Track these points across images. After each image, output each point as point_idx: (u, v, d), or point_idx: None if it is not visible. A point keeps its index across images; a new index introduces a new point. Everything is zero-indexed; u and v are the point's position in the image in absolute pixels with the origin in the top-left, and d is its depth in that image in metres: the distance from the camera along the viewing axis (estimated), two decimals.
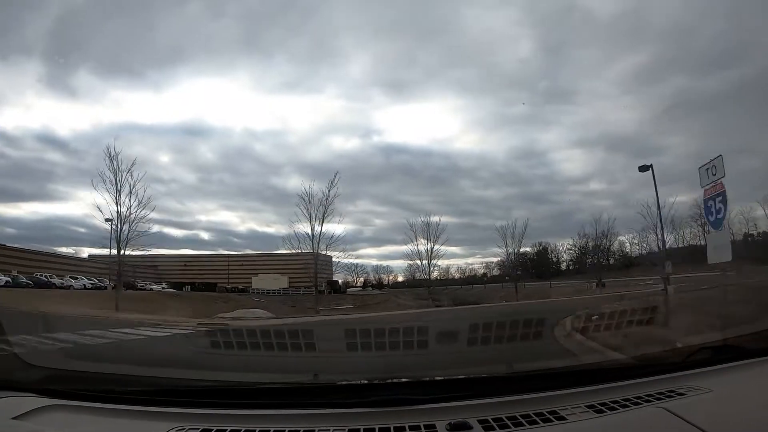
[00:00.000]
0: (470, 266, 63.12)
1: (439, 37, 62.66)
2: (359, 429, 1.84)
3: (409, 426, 1.85)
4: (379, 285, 62.42)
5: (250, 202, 68.06)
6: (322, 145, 60.76)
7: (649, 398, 2.05)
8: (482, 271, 62.96)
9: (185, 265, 53.12)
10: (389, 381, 2.32)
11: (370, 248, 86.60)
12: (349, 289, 56.12)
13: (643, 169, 28.81)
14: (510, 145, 68.80)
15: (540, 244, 62.55)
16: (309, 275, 45.56)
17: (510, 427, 1.83)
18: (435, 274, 54.07)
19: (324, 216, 33.42)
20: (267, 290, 47.64)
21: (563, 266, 62.57)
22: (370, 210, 69.22)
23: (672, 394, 2.08)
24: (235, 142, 54.55)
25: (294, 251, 39.35)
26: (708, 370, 2.38)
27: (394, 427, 1.84)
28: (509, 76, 60.33)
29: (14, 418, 1.95)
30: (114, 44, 50.53)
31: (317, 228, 33.09)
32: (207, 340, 6.03)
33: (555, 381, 2.23)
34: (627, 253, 53.34)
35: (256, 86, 58.64)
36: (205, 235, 63.65)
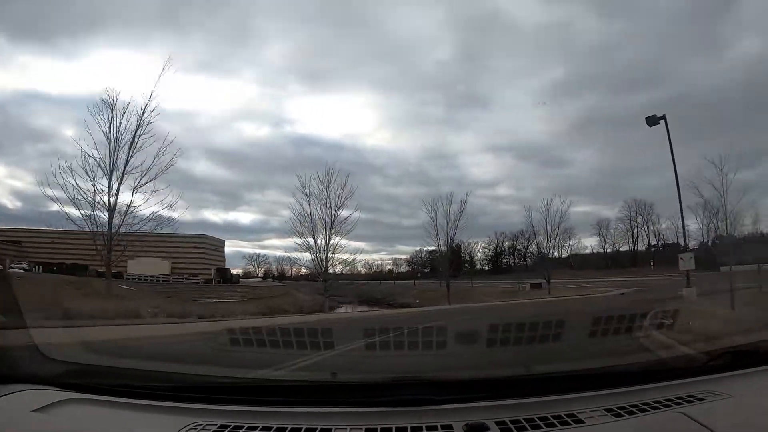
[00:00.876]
0: (376, 262, 62.78)
1: (361, 30, 64.05)
2: (376, 428, 1.83)
3: (425, 426, 1.84)
4: (281, 277, 60.49)
5: (155, 184, 63.46)
6: (233, 131, 62.84)
7: (669, 403, 2.02)
8: (389, 267, 62.97)
9: (53, 243, 45.97)
10: (406, 381, 2.28)
11: (276, 239, 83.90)
12: (244, 280, 52.26)
13: (652, 121, 24.63)
14: (422, 145, 72.98)
15: (452, 242, 62.19)
16: (196, 261, 41.50)
17: (527, 430, 1.81)
18: (339, 268, 54.94)
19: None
20: (145, 276, 41.25)
21: (477, 265, 62.33)
22: (277, 201, 67.79)
23: (692, 399, 2.05)
24: (144, 119, 50.67)
25: (180, 233, 36.48)
26: (728, 375, 2.35)
27: (411, 427, 1.83)
28: (427, 77, 62.86)
29: (34, 411, 1.96)
30: (27, 4, 47.33)
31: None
32: None
33: (573, 383, 2.23)
34: (546, 254, 50.51)
35: (169, 63, 58.28)
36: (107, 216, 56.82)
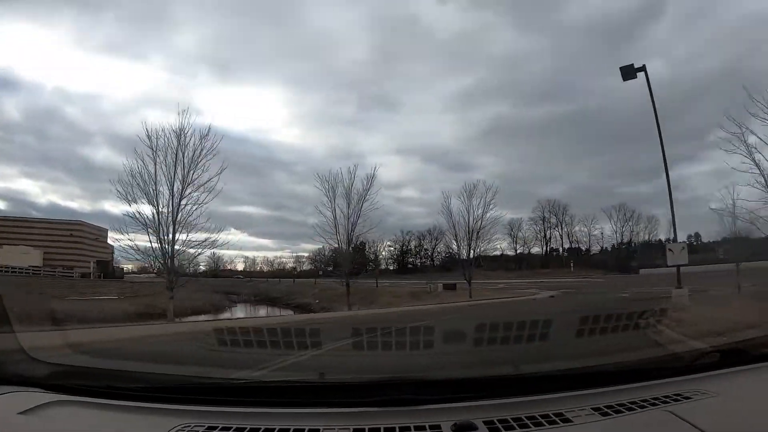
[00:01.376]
0: (280, 260, 62.09)
1: (277, 24, 62.52)
2: (364, 428, 1.84)
3: (414, 426, 1.85)
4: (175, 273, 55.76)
5: (54, 172, 63.49)
6: (138, 118, 59.43)
7: (656, 401, 2.04)
8: (291, 264, 61.89)
9: None
10: (394, 380, 2.28)
11: (183, 234, 77.54)
12: (138, 276, 46.10)
13: (628, 73, 22.32)
14: (331, 143, 69.23)
15: (357, 239, 62.25)
16: (73, 251, 36.51)
17: (515, 429, 1.83)
18: (240, 266, 55.43)
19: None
20: (12, 268, 36.03)
21: (382, 265, 61.04)
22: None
23: (678, 397, 2.08)
24: (45, 101, 48.13)
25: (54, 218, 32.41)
26: (715, 374, 2.38)
27: (399, 427, 1.84)
28: (340, 76, 62.53)
29: (21, 413, 1.95)
30: None
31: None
32: None
33: (561, 383, 2.24)
34: (455, 254, 48.60)
35: (77, 41, 54.77)
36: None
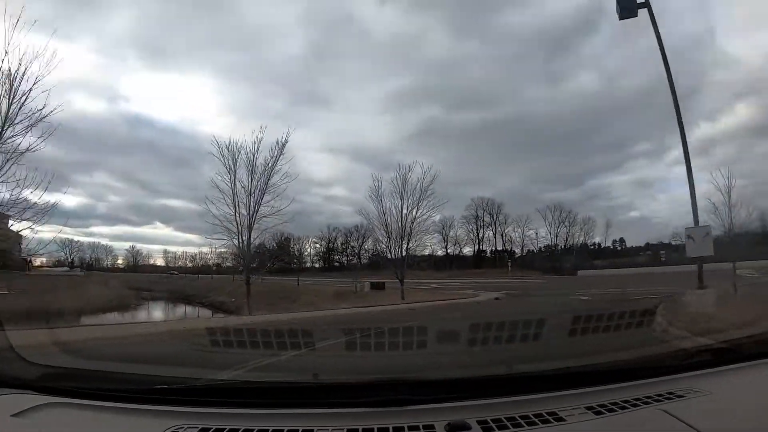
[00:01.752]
0: (202, 254, 58.97)
1: (211, 10, 65.20)
2: (358, 429, 1.84)
3: (407, 426, 1.85)
4: (89, 266, 57.79)
5: None
6: (63, 102, 52.83)
7: (648, 400, 2.05)
8: (213, 260, 58.41)
9: None
10: (388, 381, 2.29)
11: (104, 226, 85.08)
12: (49, 269, 46.54)
13: (628, 10, 19.34)
14: (259, 138, 67.40)
15: (282, 235, 60.13)
16: None
17: (509, 428, 1.83)
18: (160, 261, 54.88)
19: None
20: None
21: (307, 262, 61.04)
22: (107, 184, 66.65)
23: (671, 396, 2.08)
24: None
25: None
26: (707, 373, 2.40)
27: (393, 427, 1.84)
28: (275, 69, 65.84)
29: (13, 416, 1.95)
30: None
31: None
32: None
33: (554, 382, 2.24)
34: (382, 252, 49.17)
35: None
36: None
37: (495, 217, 65.76)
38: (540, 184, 79.30)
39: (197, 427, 1.85)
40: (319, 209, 64.10)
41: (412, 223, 28.90)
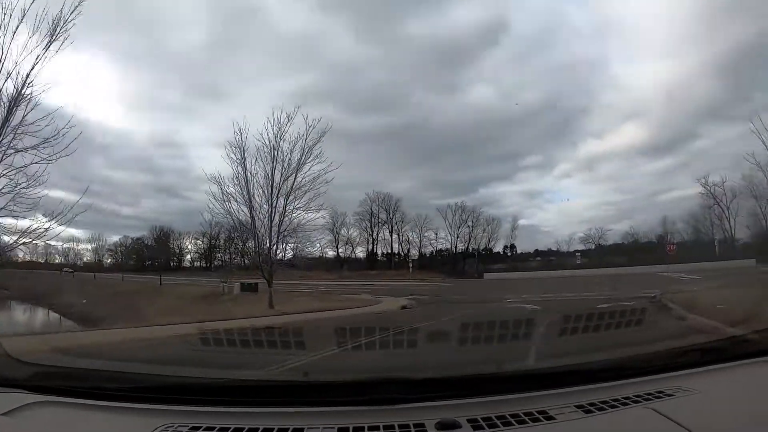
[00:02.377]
0: (87, 252, 58.42)
1: None
2: (348, 427, 1.84)
3: (398, 424, 1.85)
4: None
5: None
6: None
7: (638, 399, 2.06)
8: (89, 257, 58.38)
9: None
10: (379, 379, 2.29)
11: None
12: None
13: None
14: (153, 129, 70.41)
15: (161, 229, 56.95)
16: None
17: (499, 427, 1.84)
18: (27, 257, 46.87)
19: None
20: None
21: (187, 261, 59.49)
22: None
23: (660, 394, 2.09)
24: None
25: None
26: (696, 372, 2.41)
27: (384, 425, 1.84)
28: (171, 57, 61.46)
29: (3, 414, 1.94)
30: None
31: None
32: None
33: (544, 380, 2.25)
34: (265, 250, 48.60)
35: None
36: None
37: (392, 214, 61.75)
38: (434, 191, 79.08)
39: (187, 426, 1.85)
40: (206, 206, 59.54)
41: (287, 197, 21.50)
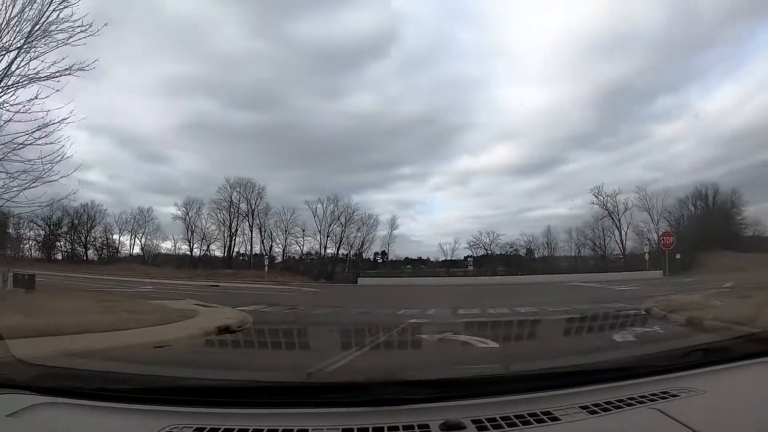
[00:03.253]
0: None
1: None
2: (353, 428, 1.84)
3: (402, 425, 1.85)
4: None
5: None
6: None
7: (643, 399, 2.05)
8: None
9: None
10: (383, 380, 2.29)
11: None
12: None
13: None
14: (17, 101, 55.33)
15: None
16: None
17: (504, 428, 1.83)
18: None
19: None
20: None
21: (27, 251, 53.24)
22: None
23: (666, 395, 2.09)
24: None
25: None
26: (701, 372, 2.40)
27: (388, 427, 1.84)
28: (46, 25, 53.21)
29: (9, 416, 1.94)
30: None
31: None
32: None
33: (550, 381, 2.25)
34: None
35: None
36: None
37: (253, 205, 55.69)
38: (307, 194, 74.51)
39: (191, 427, 1.85)
40: (74, 196, 52.80)
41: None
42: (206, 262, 54.18)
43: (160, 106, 68.20)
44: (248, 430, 1.82)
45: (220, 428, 1.83)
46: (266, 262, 49.21)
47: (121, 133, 67.89)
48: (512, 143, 75.12)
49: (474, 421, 1.84)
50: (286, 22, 70.70)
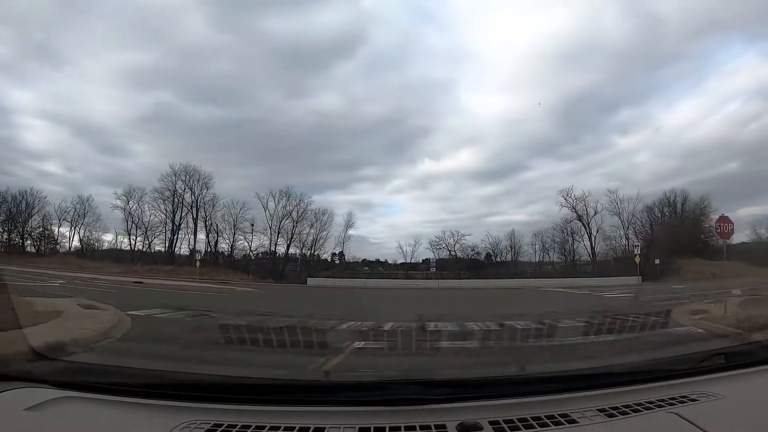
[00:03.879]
0: None
1: None
2: (369, 427, 1.83)
3: (419, 425, 1.85)
4: None
5: None
6: None
7: (661, 403, 2.04)
8: None
9: None
10: (400, 380, 2.29)
11: None
12: None
13: None
14: None
15: None
16: None
17: (521, 429, 1.82)
18: None
19: None
20: None
21: None
22: None
23: (684, 399, 2.07)
24: None
25: None
26: (721, 376, 2.38)
27: (405, 426, 1.84)
28: (9, 8, 57.04)
29: (27, 409, 1.96)
30: None
31: None
32: None
33: (566, 383, 2.24)
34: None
35: None
36: None
37: (199, 195, 51.61)
38: (264, 193, 70.27)
39: (209, 423, 1.86)
40: (29, 185, 55.59)
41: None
42: (148, 256, 50.12)
43: (122, 96, 66.80)
44: (265, 427, 1.82)
45: (237, 424, 1.83)
46: (197, 257, 45.44)
47: (83, 123, 66.62)
48: (475, 148, 74.72)
49: (491, 422, 1.83)
50: (254, 16, 70.33)
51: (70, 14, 64.23)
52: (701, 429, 1.76)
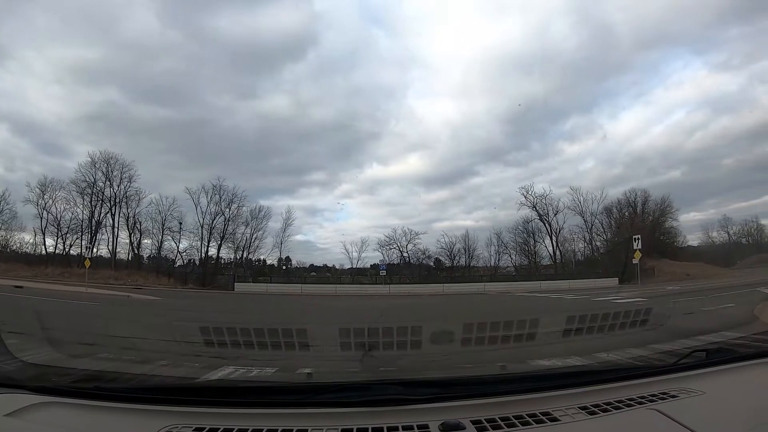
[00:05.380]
0: None
1: None
2: (352, 428, 1.83)
3: (402, 426, 1.84)
4: None
5: None
6: None
7: (642, 400, 2.05)
8: None
9: None
10: (382, 380, 2.27)
11: None
12: None
13: None
14: None
15: None
16: None
17: (503, 428, 1.82)
18: None
19: None
20: None
21: None
22: None
23: (665, 396, 2.09)
24: None
25: None
26: (701, 373, 2.40)
27: (387, 427, 1.83)
28: None
29: (6, 415, 1.93)
30: None
31: None
32: None
33: (548, 382, 2.24)
34: None
35: None
36: None
37: (116, 186, 48.37)
38: (196, 187, 67.25)
39: (191, 427, 1.83)
40: None
41: None
42: (65, 258, 45.91)
43: (63, 93, 66.12)
44: (247, 429, 1.80)
45: (219, 428, 1.81)
46: (87, 255, 42.11)
47: (21, 120, 63.68)
48: (424, 153, 78.03)
49: (473, 422, 1.83)
50: (205, 14, 70.73)
51: (15, 6, 63.35)
52: (681, 425, 1.77)
